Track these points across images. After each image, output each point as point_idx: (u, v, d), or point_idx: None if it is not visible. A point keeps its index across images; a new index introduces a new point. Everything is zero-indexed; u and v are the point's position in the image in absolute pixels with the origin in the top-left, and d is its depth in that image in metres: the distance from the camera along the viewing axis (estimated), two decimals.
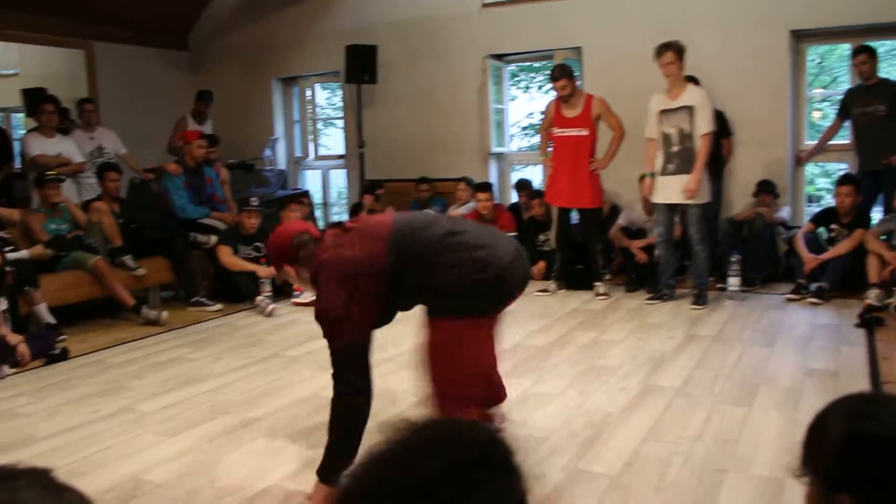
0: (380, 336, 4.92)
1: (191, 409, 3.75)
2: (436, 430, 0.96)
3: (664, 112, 5.61)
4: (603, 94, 6.16)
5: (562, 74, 6.01)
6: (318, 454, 3.07)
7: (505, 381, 3.89)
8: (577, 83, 6.29)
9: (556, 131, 6.13)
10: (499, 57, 7.98)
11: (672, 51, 5.46)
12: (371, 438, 0.94)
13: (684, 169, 5.55)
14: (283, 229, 2.94)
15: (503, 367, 4.15)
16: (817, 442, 1.12)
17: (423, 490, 0.85)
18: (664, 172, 5.65)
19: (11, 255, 5.14)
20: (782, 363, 4.14)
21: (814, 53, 10.59)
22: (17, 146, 7.40)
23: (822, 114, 10.65)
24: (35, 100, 7.12)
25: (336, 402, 2.70)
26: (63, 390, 4.14)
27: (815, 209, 6.96)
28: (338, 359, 2.68)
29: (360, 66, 7.93)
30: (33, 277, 5.19)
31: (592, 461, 2.93)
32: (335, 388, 2.67)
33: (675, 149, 5.60)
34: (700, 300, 5.60)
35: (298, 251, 2.75)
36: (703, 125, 5.47)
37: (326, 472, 2.65)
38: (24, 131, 7.73)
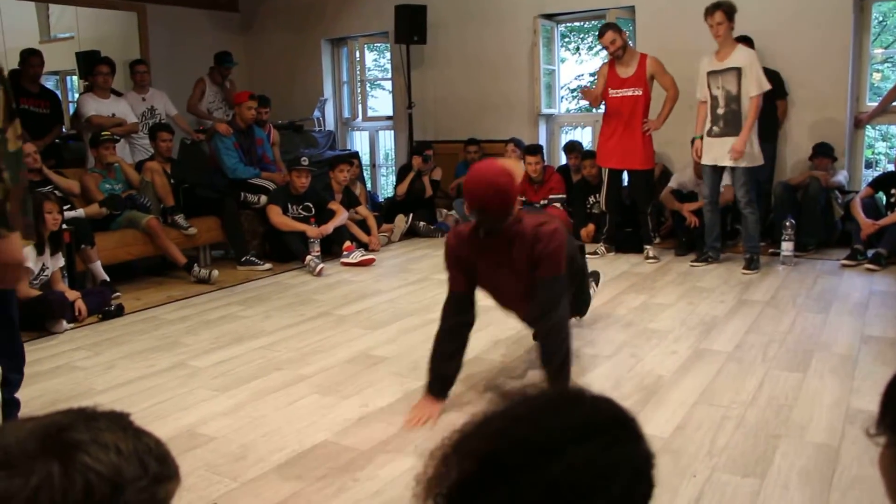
0: (429, 296, 4.93)
1: (243, 365, 3.81)
2: (567, 392, 0.96)
3: (712, 73, 5.51)
4: (655, 54, 6.03)
5: (606, 28, 5.90)
6: (368, 411, 3.13)
7: None
8: (629, 42, 6.16)
9: (611, 92, 6.03)
10: (550, 17, 7.86)
11: (721, 10, 5.31)
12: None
13: (730, 131, 5.44)
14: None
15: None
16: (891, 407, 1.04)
17: (557, 443, 0.84)
18: (710, 134, 5.56)
19: (69, 214, 5.25)
20: (837, 330, 4.06)
21: (877, 11, 10.25)
22: (71, 108, 7.50)
23: (882, 75, 10.32)
24: (89, 62, 7.20)
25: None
26: (119, 345, 4.24)
27: (873, 174, 6.77)
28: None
29: (410, 27, 7.88)
30: (89, 235, 5.30)
31: (644, 424, 2.86)
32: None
33: (721, 111, 5.49)
34: (752, 265, 5.51)
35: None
36: (752, 87, 5.33)
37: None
38: (78, 94, 7.83)
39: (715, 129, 5.53)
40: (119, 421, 0.87)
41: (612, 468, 0.85)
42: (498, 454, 0.85)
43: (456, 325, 3.20)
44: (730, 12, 5.33)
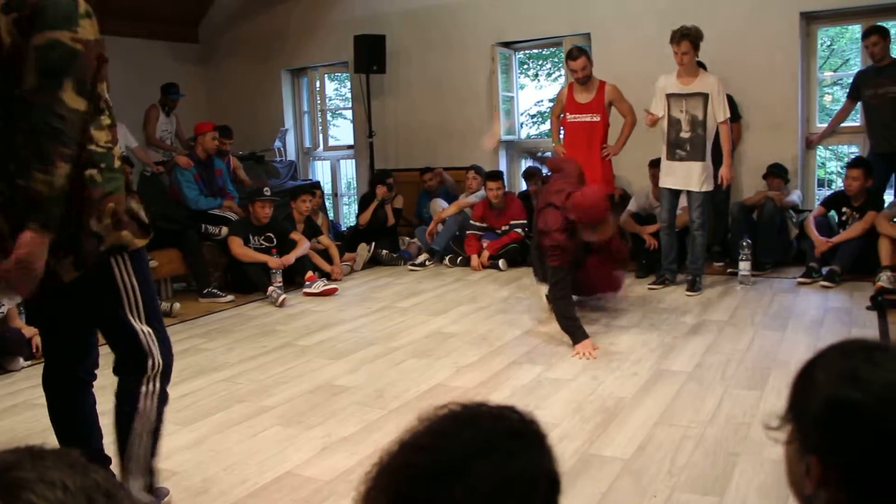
0: (392, 324, 4.95)
1: (205, 398, 3.78)
2: (467, 410, 0.98)
3: (674, 96, 5.55)
4: (612, 80, 6.15)
5: (580, 53, 5.96)
6: (332, 441, 3.12)
7: (518, 368, 3.95)
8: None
9: (569, 117, 6.12)
10: (507, 45, 7.97)
11: (688, 40, 5.32)
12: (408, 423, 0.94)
13: (694, 156, 5.50)
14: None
15: (516, 354, 4.19)
16: (803, 394, 1.07)
17: (456, 466, 0.87)
18: (672, 158, 5.60)
19: None
20: (794, 347, 4.14)
21: (824, 35, 10.53)
22: None
23: (833, 97, 10.59)
24: None
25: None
26: None
27: (825, 193, 6.92)
28: None
29: (369, 56, 7.94)
30: None
31: (604, 446, 2.95)
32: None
33: (685, 135, 5.54)
34: (694, 286, 5.56)
35: None
36: (720, 112, 5.42)
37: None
38: None
39: (679, 152, 5.55)
40: (66, 458, 0.87)
41: (510, 483, 0.87)
42: (403, 491, 0.88)
43: None
44: (696, 42, 5.37)
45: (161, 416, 2.39)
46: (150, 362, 2.31)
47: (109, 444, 2.45)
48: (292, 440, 3.18)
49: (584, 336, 4.23)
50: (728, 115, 5.45)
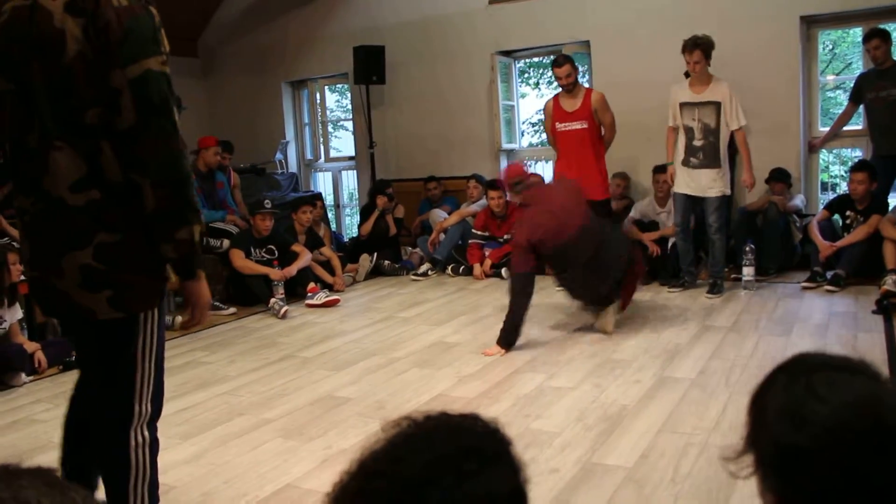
0: (393, 335, 4.94)
1: (206, 411, 3.76)
2: (423, 427, 0.95)
3: (686, 105, 5.55)
4: (611, 87, 6.14)
5: (566, 60, 5.98)
6: (332, 453, 3.09)
7: (520, 377, 3.92)
8: (580, 76, 6.25)
9: (559, 126, 6.11)
10: (507, 53, 7.97)
11: (700, 49, 5.35)
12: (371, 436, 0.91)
13: (709, 163, 5.51)
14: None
15: (519, 363, 4.16)
16: (755, 427, 1.03)
17: (410, 494, 0.84)
18: (687, 165, 5.60)
19: None
20: (799, 352, 4.09)
21: (826, 39, 10.52)
22: None
23: (835, 101, 10.56)
24: None
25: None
26: None
27: (829, 196, 6.89)
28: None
29: (368, 67, 7.94)
30: None
31: (607, 454, 2.91)
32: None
33: (698, 143, 5.54)
34: (715, 289, 5.58)
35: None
36: (734, 120, 5.43)
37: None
38: None
39: (693, 160, 5.57)
40: (43, 476, 0.85)
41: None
42: None
43: None
44: (707, 51, 5.38)
45: (155, 467, 2.18)
46: (137, 408, 2.07)
47: None
48: (293, 453, 3.16)
49: (509, 346, 4.44)
50: (743, 122, 5.43)
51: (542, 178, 6.28)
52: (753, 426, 1.02)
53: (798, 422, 0.94)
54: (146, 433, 2.12)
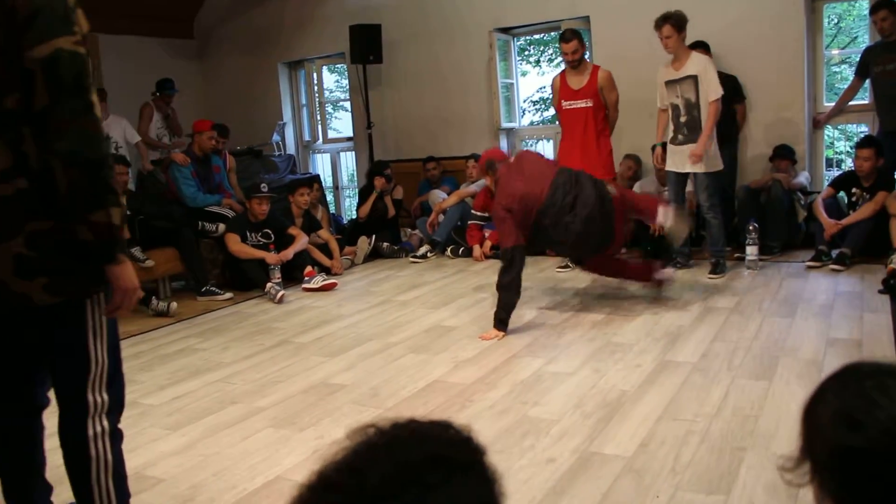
0: (390, 319, 4.86)
1: (198, 400, 3.69)
2: (386, 435, 0.87)
3: (669, 83, 5.50)
4: (611, 63, 6.01)
5: (573, 36, 5.83)
6: (324, 444, 3.02)
7: (518, 362, 3.84)
8: (586, 53, 6.12)
9: (564, 104, 5.99)
10: (505, 31, 7.83)
11: (670, 23, 5.29)
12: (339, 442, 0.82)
13: (692, 138, 5.42)
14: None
15: (517, 347, 4.08)
16: (810, 435, 1.02)
17: (368, 503, 0.76)
18: (674, 142, 5.53)
19: None
20: (803, 334, 4.01)
21: (832, 13, 10.34)
22: None
23: (841, 76, 10.41)
24: None
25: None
26: None
27: (834, 173, 6.77)
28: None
29: (365, 47, 7.82)
30: None
31: (606, 443, 2.83)
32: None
33: (683, 118, 5.48)
34: (717, 269, 5.49)
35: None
36: (711, 91, 5.32)
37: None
38: None
39: (679, 136, 5.51)
40: None
41: None
42: None
43: None
44: (678, 24, 5.30)
45: (119, 455, 2.13)
46: (91, 399, 2.04)
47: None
48: (285, 442, 3.08)
49: (505, 327, 4.37)
50: (720, 93, 5.32)
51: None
52: (808, 434, 1.02)
53: (854, 424, 0.94)
54: (104, 423, 2.08)
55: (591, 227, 4.45)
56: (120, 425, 2.15)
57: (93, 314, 2.01)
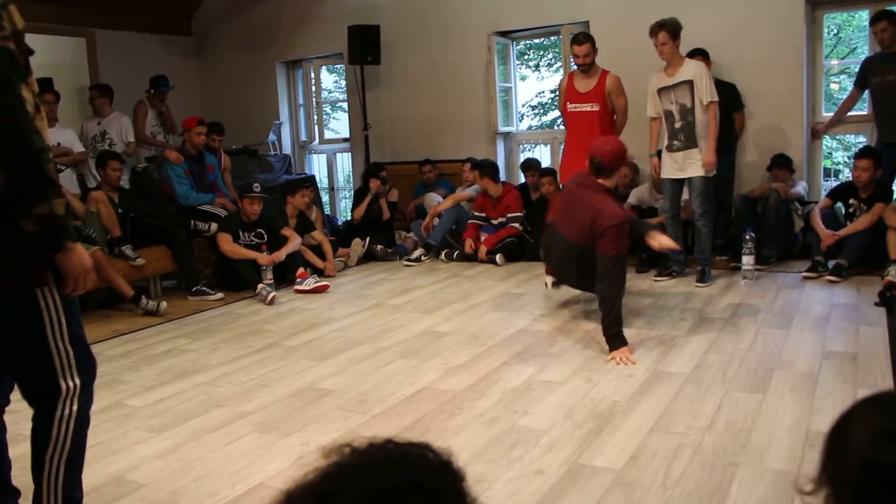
0: (382, 323, 4.80)
1: (183, 403, 3.63)
2: (366, 454, 0.82)
3: (663, 90, 5.48)
4: (611, 69, 5.94)
5: (586, 39, 5.73)
6: (309, 450, 2.96)
7: (509, 369, 3.79)
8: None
9: (570, 107, 5.91)
10: (504, 34, 7.79)
11: (665, 30, 5.29)
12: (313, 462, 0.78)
13: (688, 144, 5.40)
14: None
15: (509, 354, 4.02)
16: (836, 455, 0.99)
17: None
18: (670, 149, 5.50)
19: None
20: (798, 346, 3.96)
21: (831, 23, 10.31)
22: None
23: (840, 86, 10.38)
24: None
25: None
26: None
27: (831, 184, 6.73)
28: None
29: (363, 47, 7.77)
30: None
31: (595, 455, 2.78)
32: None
33: (678, 124, 5.45)
34: (704, 277, 5.45)
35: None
36: (706, 95, 5.31)
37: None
38: None
39: (676, 143, 5.47)
40: None
41: None
42: None
43: None
44: (673, 31, 5.30)
45: (79, 441, 2.15)
46: (63, 385, 2.08)
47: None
48: (269, 448, 3.03)
49: (624, 342, 3.95)
50: (715, 97, 5.32)
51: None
52: (831, 457, 1.01)
53: (891, 440, 0.93)
54: (74, 407, 2.12)
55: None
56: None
57: (47, 308, 2.04)
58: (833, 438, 1.01)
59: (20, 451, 2.47)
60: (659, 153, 5.59)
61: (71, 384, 2.09)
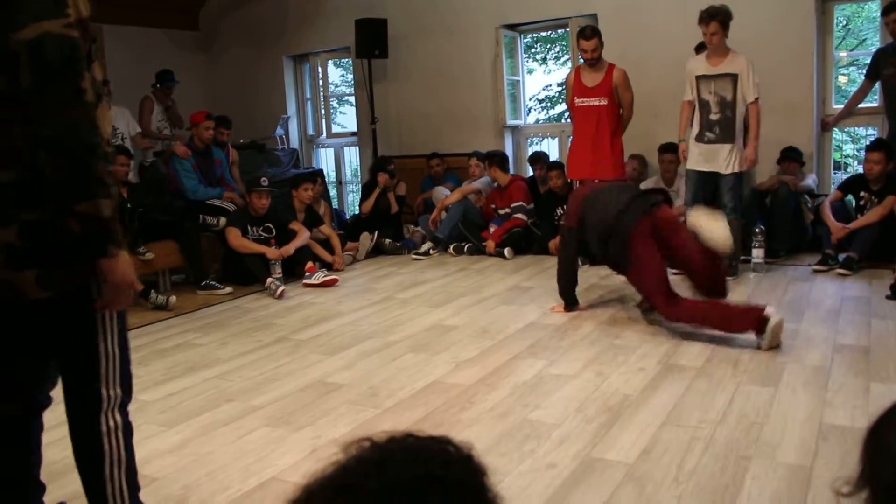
0: (391, 317, 4.80)
1: (193, 397, 3.63)
2: (385, 447, 0.81)
3: (703, 77, 5.36)
4: (618, 62, 5.93)
5: (594, 33, 5.72)
6: (321, 444, 2.96)
7: (520, 363, 3.78)
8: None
9: (577, 101, 5.91)
10: (512, 27, 7.76)
11: (717, 21, 5.15)
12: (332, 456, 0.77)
13: (724, 138, 5.32)
14: None
15: (519, 347, 4.02)
16: (874, 458, 0.98)
17: None
18: (701, 140, 5.41)
19: None
20: (810, 339, 3.94)
21: (840, 15, 10.25)
22: None
23: (848, 78, 10.32)
24: None
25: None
26: None
27: (842, 176, 6.70)
28: None
29: (371, 41, 7.76)
30: None
31: (607, 448, 2.77)
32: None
33: (714, 116, 5.35)
34: (731, 271, 5.40)
35: None
36: (750, 93, 5.24)
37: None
38: None
39: (709, 135, 5.39)
40: None
41: None
42: None
43: None
44: (725, 22, 5.18)
45: (131, 452, 2.10)
46: (105, 393, 2.00)
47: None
48: (280, 442, 3.03)
49: (573, 304, 4.77)
50: (758, 95, 5.23)
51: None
52: (870, 459, 0.99)
53: None
54: (118, 418, 2.04)
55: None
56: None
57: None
58: (870, 442, 1.00)
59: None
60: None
61: (112, 393, 2.01)
